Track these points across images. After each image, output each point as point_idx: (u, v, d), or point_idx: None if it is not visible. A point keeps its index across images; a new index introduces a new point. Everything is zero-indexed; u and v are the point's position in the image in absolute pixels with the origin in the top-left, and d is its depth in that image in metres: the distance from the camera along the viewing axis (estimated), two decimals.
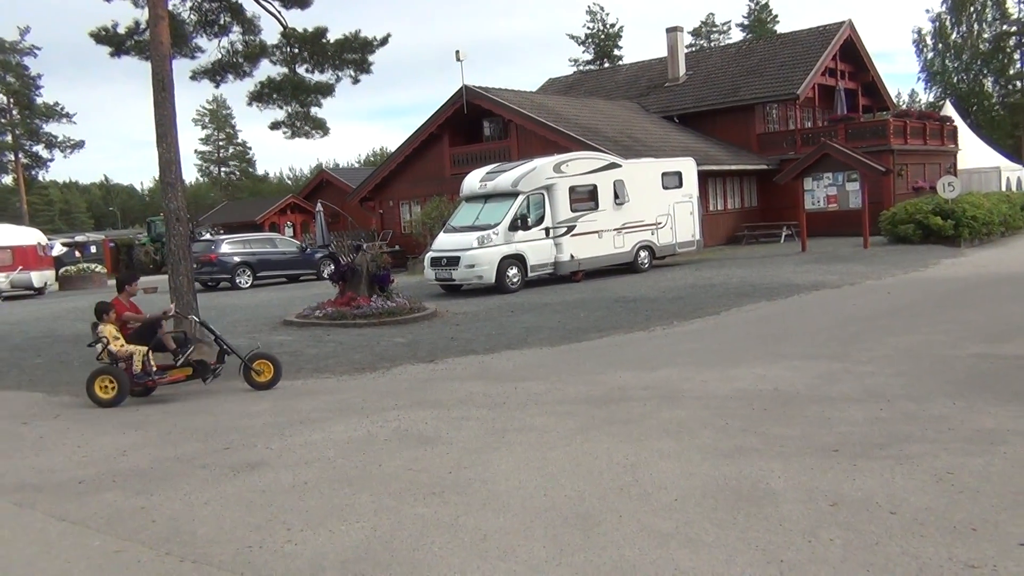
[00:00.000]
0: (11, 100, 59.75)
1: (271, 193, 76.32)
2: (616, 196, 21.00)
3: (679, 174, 22.98)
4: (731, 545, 4.36)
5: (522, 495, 5.36)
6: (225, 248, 26.57)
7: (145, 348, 9.45)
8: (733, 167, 30.60)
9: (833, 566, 4.03)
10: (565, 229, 20.03)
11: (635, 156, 24.71)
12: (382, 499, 5.47)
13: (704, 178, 27.29)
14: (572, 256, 20.08)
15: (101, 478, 6.37)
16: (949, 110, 39.10)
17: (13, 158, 61.19)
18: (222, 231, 37.77)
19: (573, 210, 20.23)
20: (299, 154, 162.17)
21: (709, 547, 4.35)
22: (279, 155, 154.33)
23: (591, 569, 4.19)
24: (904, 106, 63.01)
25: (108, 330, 9.45)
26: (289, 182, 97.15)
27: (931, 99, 63.49)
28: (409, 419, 7.61)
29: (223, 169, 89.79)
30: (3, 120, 60.29)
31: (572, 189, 20.26)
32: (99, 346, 9.38)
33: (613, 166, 21.36)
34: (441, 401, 8.33)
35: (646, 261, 21.90)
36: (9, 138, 60.58)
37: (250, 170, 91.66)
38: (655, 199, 22.14)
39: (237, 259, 26.32)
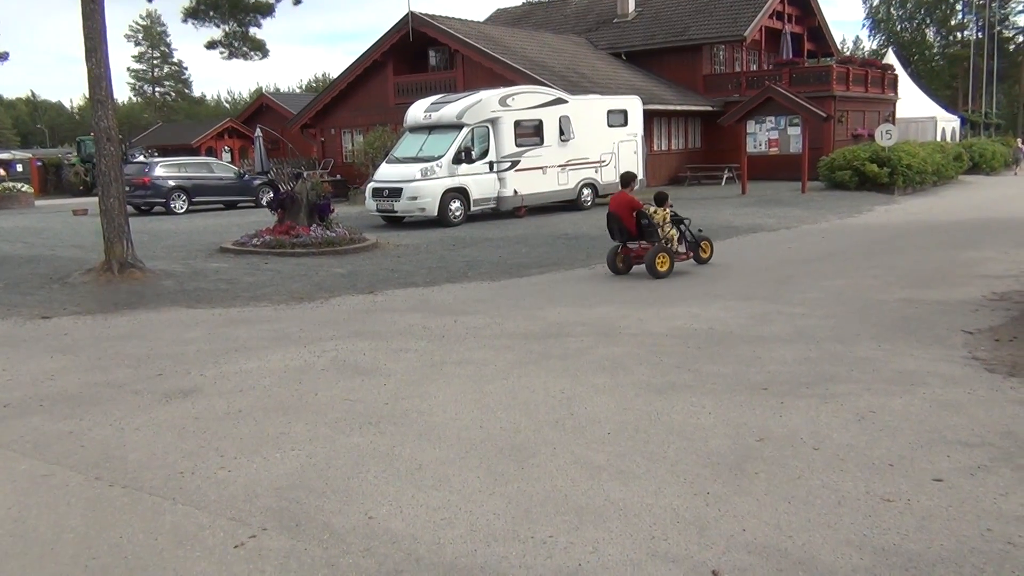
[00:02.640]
0: None
1: (208, 116, 74.03)
2: (561, 132, 20.88)
3: (624, 112, 22.93)
4: (660, 477, 4.48)
5: (458, 426, 5.41)
6: (159, 171, 25.77)
7: (678, 232, 11.74)
8: (679, 107, 30.65)
9: (757, 498, 4.18)
10: (509, 164, 19.89)
11: (582, 92, 24.54)
12: (318, 428, 5.46)
13: (649, 117, 27.33)
14: (516, 191, 20.00)
15: (27, 402, 6.23)
16: (891, 58, 39.66)
17: None
18: (156, 154, 36.60)
19: (518, 145, 20.07)
20: (238, 77, 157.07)
21: (639, 479, 4.47)
22: (217, 77, 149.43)
23: (524, 499, 4.27)
24: (848, 53, 63.64)
25: (662, 214, 11.56)
26: (227, 105, 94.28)
27: (874, 47, 64.24)
28: (347, 349, 7.58)
29: (157, 89, 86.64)
30: None
31: (517, 123, 20.07)
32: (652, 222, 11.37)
33: (559, 102, 21.19)
34: (380, 332, 8.31)
35: (589, 199, 21.94)
36: None
37: (186, 91, 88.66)
38: (600, 137, 22.09)
39: (172, 183, 25.56)
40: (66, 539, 3.99)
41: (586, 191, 21.87)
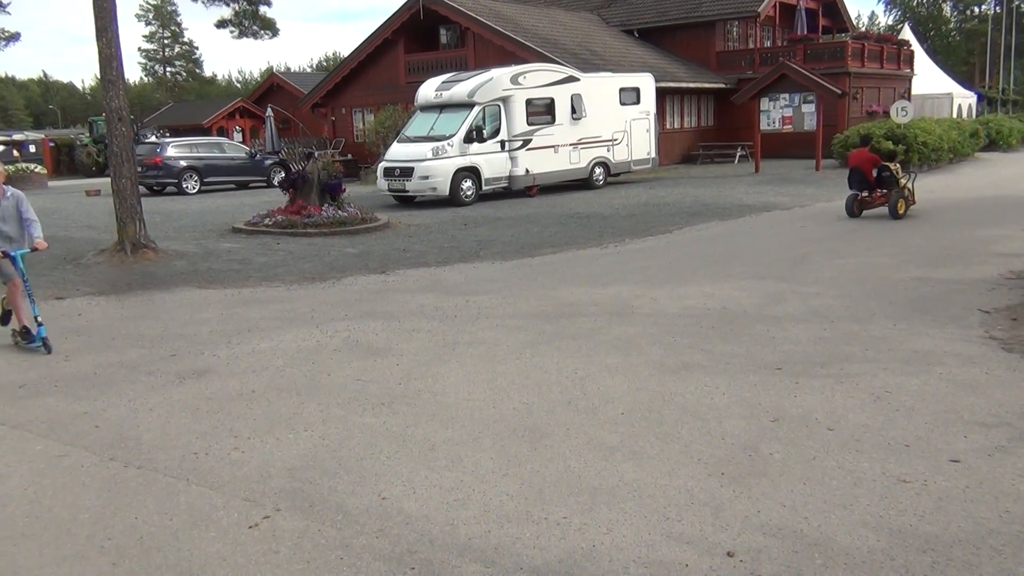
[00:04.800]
0: None
1: (219, 96, 73.90)
2: (573, 111, 20.74)
3: (637, 90, 22.74)
4: (674, 458, 4.46)
5: (471, 407, 5.40)
6: (171, 152, 25.77)
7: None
8: (691, 85, 30.38)
9: (772, 479, 4.15)
10: (521, 143, 19.79)
11: (594, 70, 24.34)
12: (330, 408, 5.46)
13: (662, 95, 27.08)
14: (527, 170, 19.91)
15: (42, 382, 6.26)
16: (907, 34, 39.14)
17: None
18: (168, 134, 36.62)
19: (529, 123, 19.96)
20: (249, 56, 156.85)
21: (653, 459, 4.45)
22: (228, 57, 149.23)
23: (537, 479, 4.26)
24: (863, 28, 62.85)
25: (895, 167, 14.17)
26: (238, 85, 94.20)
27: (890, 22, 63.42)
28: (359, 330, 7.57)
29: (168, 69, 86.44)
30: None
31: (529, 102, 19.94)
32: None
33: (571, 80, 21.03)
34: (392, 313, 8.30)
35: (601, 178, 21.83)
36: None
37: (197, 71, 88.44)
38: (612, 115, 21.94)
39: (184, 163, 25.58)
40: (81, 519, 4.01)
41: (598, 170, 21.76)
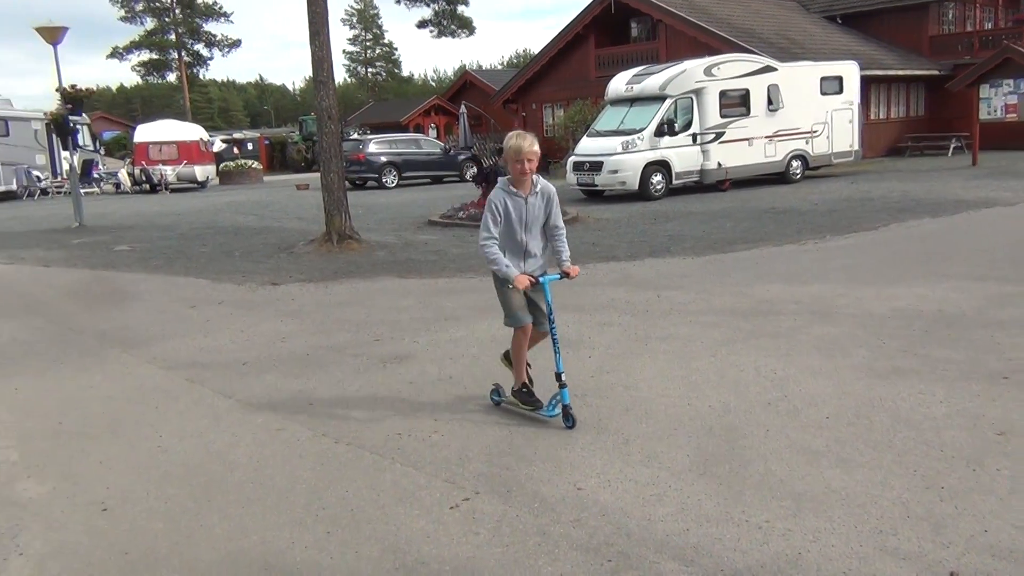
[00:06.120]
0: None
1: (415, 94, 77.12)
2: (769, 102, 20.01)
3: (839, 79, 21.59)
4: (886, 467, 4.18)
5: (665, 403, 5.32)
6: (372, 148, 27.19)
7: None
8: (900, 72, 28.46)
9: (1000, 497, 3.81)
10: (713, 135, 19.31)
11: (792, 59, 23.33)
12: None
13: (867, 84, 25.52)
14: (720, 164, 19.40)
15: (262, 361, 6.77)
16: None
17: (177, 56, 64.29)
18: (369, 131, 38.59)
19: (723, 116, 19.45)
20: (443, 55, 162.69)
21: (862, 468, 4.19)
22: (424, 56, 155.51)
23: (736, 480, 4.13)
24: None
25: None
26: (433, 83, 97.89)
27: None
28: None
29: (370, 70, 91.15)
30: (167, 19, 63.15)
31: (723, 94, 19.43)
32: None
33: (768, 69, 20.28)
34: (582, 306, 8.32)
35: (798, 171, 20.92)
36: (173, 37, 63.53)
37: (395, 71, 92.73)
38: (812, 105, 20.95)
39: (384, 159, 26.92)
40: (298, 489, 4.29)
41: (795, 163, 20.86)
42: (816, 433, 4.68)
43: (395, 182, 26.94)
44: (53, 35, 17.68)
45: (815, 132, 21.03)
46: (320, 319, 8.29)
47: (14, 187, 29.02)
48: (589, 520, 3.78)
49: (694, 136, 19.18)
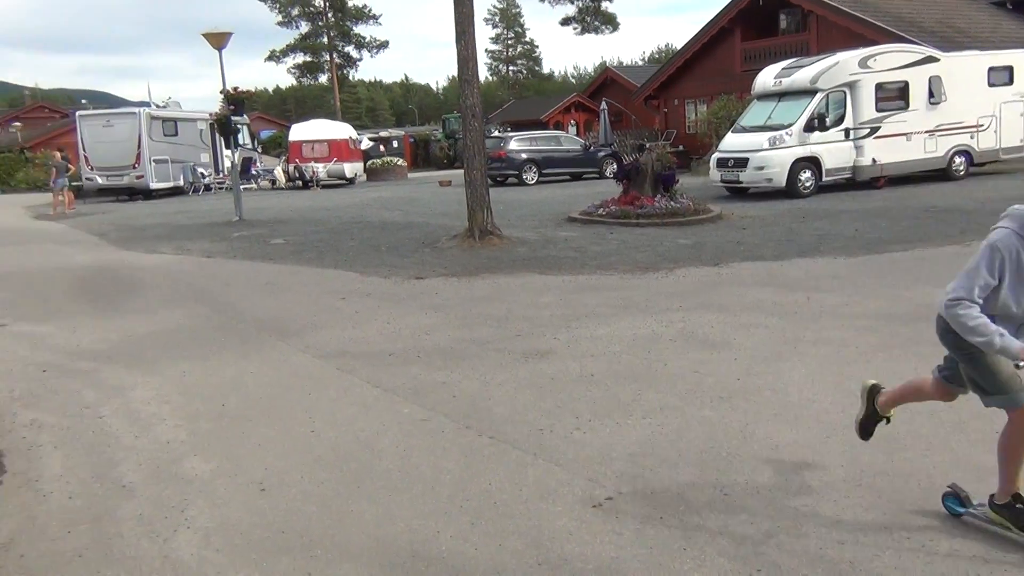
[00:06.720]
0: (327, 3, 65.11)
1: (555, 92, 77.34)
2: (931, 95, 18.85)
3: (1010, 69, 20.08)
4: None
5: (816, 409, 5.10)
6: (513, 145, 27.46)
7: None
8: None
9: None
10: (868, 130, 18.39)
11: (956, 49, 21.87)
12: (667, 398, 5.46)
13: None
14: (874, 160, 18.46)
15: (408, 353, 6.95)
16: None
17: (329, 58, 67.14)
18: (509, 129, 39.02)
19: (878, 110, 18.48)
20: (583, 52, 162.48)
21: None
22: (564, 54, 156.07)
23: (895, 494, 3.91)
24: None
25: None
26: (573, 80, 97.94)
27: None
28: (694, 321, 7.49)
29: (511, 68, 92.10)
30: (320, 23, 66.03)
31: (879, 86, 18.46)
32: None
33: (929, 60, 19.11)
34: (727, 306, 8.11)
35: (962, 168, 19.62)
36: (325, 40, 66.38)
37: (536, 69, 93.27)
38: (978, 98, 19.58)
39: (524, 156, 27.14)
40: (443, 480, 4.38)
41: (958, 159, 19.58)
42: (985, 448, 4.35)
43: (535, 179, 27.12)
44: (219, 40, 18.80)
45: (981, 126, 19.65)
46: (463, 313, 8.44)
47: (181, 183, 31.08)
48: (736, 528, 3.67)
49: (847, 131, 18.32)
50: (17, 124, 55.56)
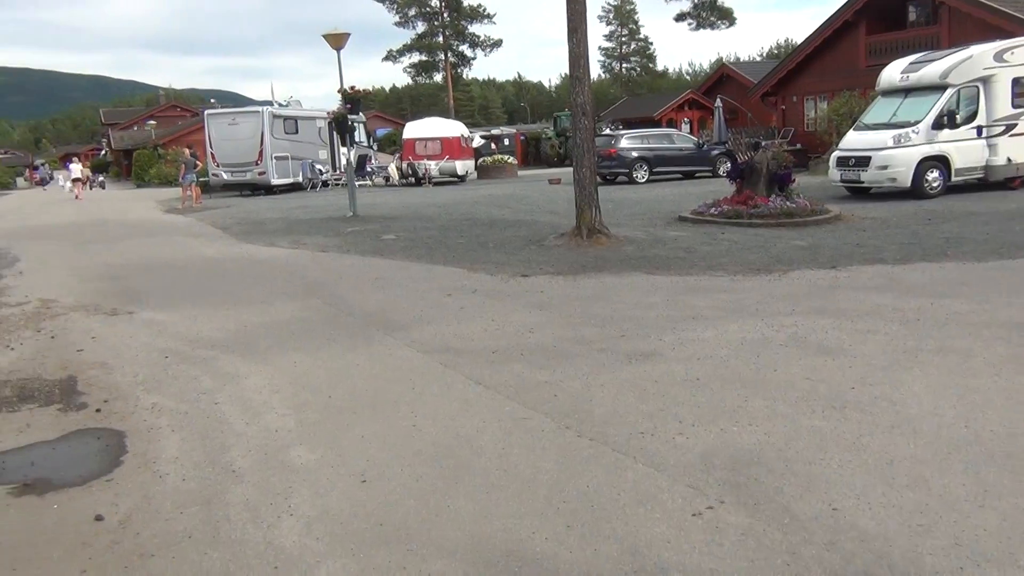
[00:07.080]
0: (443, 4, 66.18)
1: (669, 89, 76.22)
2: None
3: None
4: None
5: (937, 423, 4.82)
6: (624, 143, 27.20)
7: None
8: None
9: None
10: (1003, 128, 17.31)
11: None
12: (776, 405, 5.26)
13: None
14: (1009, 159, 17.37)
15: (511, 350, 6.95)
16: None
17: (444, 57, 68.25)
18: (621, 126, 38.71)
19: (1015, 106, 17.38)
20: (699, 49, 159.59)
21: None
22: (678, 50, 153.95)
23: (1021, 517, 3.64)
24: None
25: None
26: (687, 77, 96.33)
27: None
28: (807, 326, 7.21)
29: (624, 65, 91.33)
30: (436, 23, 67.17)
31: (1016, 81, 17.35)
32: None
33: None
34: (843, 311, 7.77)
35: None
36: (440, 39, 67.50)
37: (650, 66, 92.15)
38: None
39: (635, 154, 26.85)
40: (540, 480, 4.35)
41: None
42: None
43: (646, 177, 26.77)
44: (338, 41, 19.34)
45: None
46: (567, 312, 8.38)
47: (300, 179, 32.19)
48: (845, 544, 3.49)
49: (979, 129, 17.30)
50: (152, 122, 58.85)
